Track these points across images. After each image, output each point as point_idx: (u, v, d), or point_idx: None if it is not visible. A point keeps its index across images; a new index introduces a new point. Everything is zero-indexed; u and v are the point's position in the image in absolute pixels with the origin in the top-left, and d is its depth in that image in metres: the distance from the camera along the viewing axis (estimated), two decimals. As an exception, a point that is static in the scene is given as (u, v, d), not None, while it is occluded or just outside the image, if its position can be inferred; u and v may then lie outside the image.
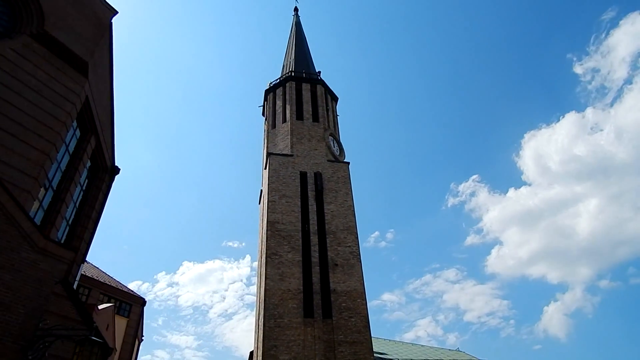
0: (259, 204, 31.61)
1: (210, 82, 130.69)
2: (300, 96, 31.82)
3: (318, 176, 27.11)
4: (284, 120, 30.55)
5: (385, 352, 26.68)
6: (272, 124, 31.40)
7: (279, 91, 32.64)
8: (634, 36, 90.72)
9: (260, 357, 20.03)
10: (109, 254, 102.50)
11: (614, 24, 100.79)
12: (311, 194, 26.36)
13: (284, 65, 37.93)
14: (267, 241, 23.57)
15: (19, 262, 6.75)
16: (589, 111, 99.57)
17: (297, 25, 41.32)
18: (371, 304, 23.45)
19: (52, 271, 7.14)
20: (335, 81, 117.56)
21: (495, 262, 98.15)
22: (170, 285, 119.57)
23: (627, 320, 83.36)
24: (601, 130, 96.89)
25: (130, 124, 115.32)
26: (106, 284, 27.43)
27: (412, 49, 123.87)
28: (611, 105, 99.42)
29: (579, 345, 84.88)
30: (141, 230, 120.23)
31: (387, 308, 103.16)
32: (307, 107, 31.05)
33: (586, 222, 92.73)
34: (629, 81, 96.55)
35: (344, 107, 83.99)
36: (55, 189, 12.46)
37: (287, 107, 30.91)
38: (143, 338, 32.90)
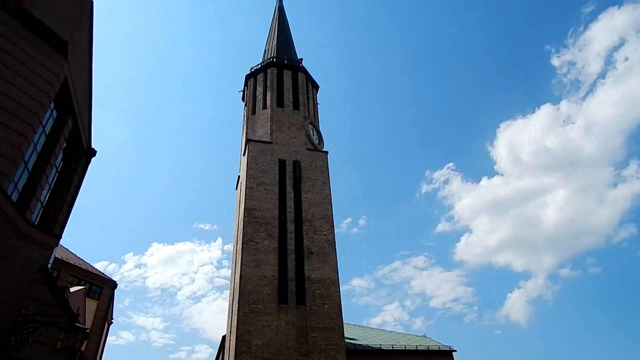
0: (236, 189, 31.59)
1: (189, 64, 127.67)
2: (282, 83, 31.72)
3: (297, 164, 27.30)
4: (264, 107, 30.45)
5: (355, 338, 27.47)
6: (252, 110, 31.24)
7: (260, 77, 32.42)
8: (611, 31, 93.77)
9: (234, 342, 20.36)
10: (74, 233, 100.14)
11: (593, 17, 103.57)
12: (289, 182, 26.57)
13: (265, 50, 37.57)
14: (243, 228, 23.71)
15: (2, 249, 6.72)
16: (564, 104, 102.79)
17: (280, 10, 40.84)
18: (341, 289, 24.18)
19: (35, 257, 7.15)
20: (315, 68, 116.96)
21: (463, 249, 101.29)
22: (138, 266, 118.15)
23: (584, 308, 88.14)
24: (573, 123, 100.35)
25: (104, 102, 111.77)
26: (76, 266, 26.99)
27: (391, 39, 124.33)
28: (584, 99, 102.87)
29: (538, 330, 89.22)
30: (110, 210, 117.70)
31: (356, 293, 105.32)
32: (288, 95, 31.01)
33: (552, 213, 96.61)
34: (602, 76, 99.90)
35: (322, 94, 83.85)
36: (30, 170, 12.24)
37: (268, 93, 30.79)
38: (112, 321, 32.66)
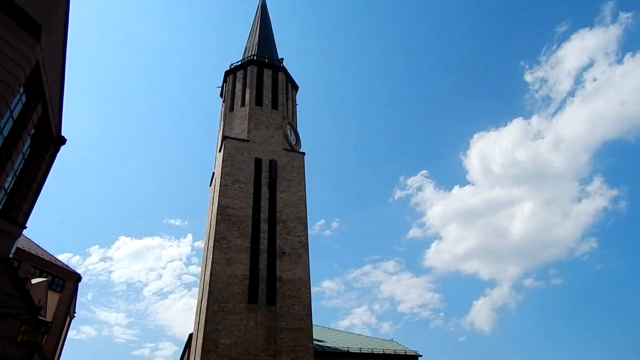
0: (210, 186, 31.17)
1: (167, 55, 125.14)
2: (261, 81, 31.53)
3: (273, 164, 27.18)
4: (243, 104, 30.18)
5: (323, 340, 27.53)
6: (230, 107, 30.91)
7: (240, 74, 32.13)
8: (581, 51, 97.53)
9: (201, 340, 20.05)
10: (38, 222, 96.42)
11: (566, 37, 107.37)
12: (265, 181, 26.42)
13: (246, 48, 37.27)
14: (216, 225, 23.41)
15: (-38, 236, 6.38)
16: (535, 119, 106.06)
17: (263, 9, 40.62)
18: (311, 290, 24.23)
19: (-2, 247, 6.84)
20: (295, 69, 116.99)
21: (433, 256, 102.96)
22: (104, 259, 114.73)
23: (545, 318, 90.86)
24: (542, 138, 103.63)
25: (76, 89, 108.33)
26: (38, 256, 25.96)
27: (371, 47, 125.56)
28: (553, 115, 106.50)
29: (500, 338, 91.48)
30: (76, 200, 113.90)
31: (326, 295, 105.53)
32: (267, 94, 30.86)
33: (519, 224, 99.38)
34: (571, 94, 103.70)
35: (300, 95, 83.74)
36: (-5, 156, 11.74)
37: (247, 91, 30.54)
38: (75, 315, 31.58)
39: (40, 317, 6.51)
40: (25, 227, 11.75)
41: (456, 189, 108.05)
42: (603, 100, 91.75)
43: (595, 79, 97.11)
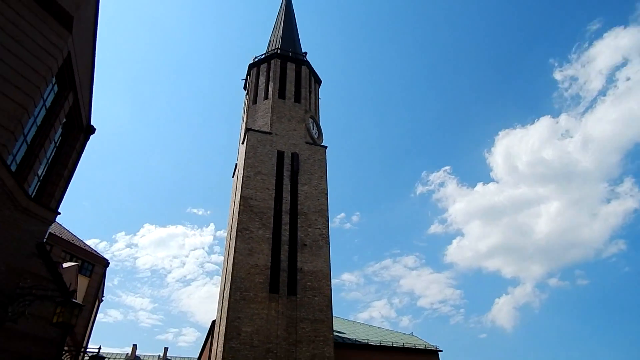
0: (233, 177, 31.54)
1: (195, 48, 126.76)
2: (285, 75, 31.58)
3: (295, 157, 27.27)
4: (266, 97, 30.32)
5: (343, 331, 27.65)
6: (253, 100, 31.10)
7: (264, 67, 32.24)
8: (615, 50, 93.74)
9: (224, 328, 20.43)
10: (67, 208, 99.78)
11: (598, 35, 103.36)
12: (286, 173, 26.55)
13: (270, 41, 37.33)
14: (239, 215, 23.70)
15: (1, 221, 6.66)
16: (563, 117, 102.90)
17: (288, 3, 40.55)
18: (331, 282, 24.29)
19: (33, 231, 7.10)
20: (318, 63, 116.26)
21: (454, 252, 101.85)
22: (129, 246, 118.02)
23: (569, 318, 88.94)
24: (571, 137, 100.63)
25: (105, 80, 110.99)
26: (69, 242, 26.85)
27: (397, 40, 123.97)
28: (583, 114, 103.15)
29: (522, 336, 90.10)
30: (104, 188, 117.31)
31: (345, 287, 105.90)
32: (290, 87, 30.90)
33: (545, 223, 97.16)
34: (602, 93, 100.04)
35: (324, 88, 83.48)
36: (29, 144, 12.14)
37: (270, 84, 30.65)
38: (103, 299, 32.62)
39: (73, 300, 6.75)
40: (59, 213, 12.12)
41: (479, 186, 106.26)
42: (636, 100, 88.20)
43: (628, 79, 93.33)
